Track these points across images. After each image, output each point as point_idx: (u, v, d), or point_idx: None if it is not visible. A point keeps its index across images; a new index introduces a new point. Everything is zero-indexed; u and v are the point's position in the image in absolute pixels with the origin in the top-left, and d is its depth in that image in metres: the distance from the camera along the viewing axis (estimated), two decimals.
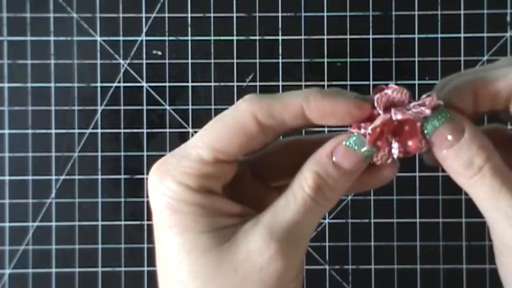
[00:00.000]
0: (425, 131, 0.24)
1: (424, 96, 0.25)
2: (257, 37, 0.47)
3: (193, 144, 0.24)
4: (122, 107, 0.47)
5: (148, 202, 0.25)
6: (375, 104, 0.24)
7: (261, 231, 0.23)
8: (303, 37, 0.47)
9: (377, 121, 0.24)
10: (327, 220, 0.47)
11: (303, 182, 0.24)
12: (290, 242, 0.23)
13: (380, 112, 0.24)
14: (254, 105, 0.23)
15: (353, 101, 0.24)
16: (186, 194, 0.23)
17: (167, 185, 0.23)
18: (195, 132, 0.47)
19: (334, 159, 0.24)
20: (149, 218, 0.47)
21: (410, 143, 0.25)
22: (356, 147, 0.24)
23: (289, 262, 0.23)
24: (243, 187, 0.27)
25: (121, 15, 0.47)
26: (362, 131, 0.24)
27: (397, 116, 0.24)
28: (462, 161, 0.24)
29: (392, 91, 0.25)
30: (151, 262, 0.47)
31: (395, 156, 0.25)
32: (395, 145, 0.25)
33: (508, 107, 0.25)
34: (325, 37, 0.47)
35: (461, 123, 0.24)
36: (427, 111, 0.24)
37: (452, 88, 0.25)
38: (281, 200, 0.24)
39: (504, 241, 0.24)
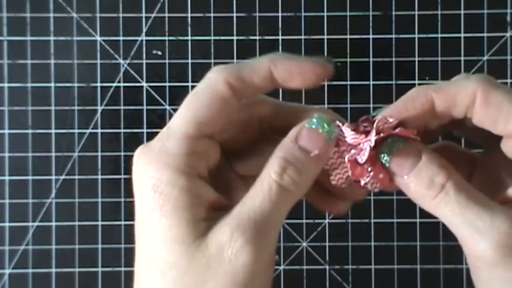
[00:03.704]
0: (383, 159, 0.25)
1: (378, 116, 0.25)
2: (257, 37, 0.47)
3: (176, 123, 0.24)
4: (122, 107, 0.47)
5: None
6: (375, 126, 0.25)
7: (230, 222, 0.23)
8: (303, 37, 0.47)
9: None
10: (327, 220, 0.46)
11: (270, 169, 0.24)
12: (259, 233, 0.23)
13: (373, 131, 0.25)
14: (225, 72, 0.25)
15: (317, 61, 0.25)
16: (173, 175, 0.23)
17: (155, 167, 0.24)
18: None
19: (299, 143, 0.24)
20: None
21: (381, 175, 0.25)
22: (319, 128, 0.25)
23: (258, 254, 0.23)
24: (223, 179, 0.27)
25: (121, 15, 0.47)
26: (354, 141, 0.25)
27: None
28: (424, 182, 0.24)
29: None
30: None
31: (368, 186, 0.25)
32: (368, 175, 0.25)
33: (465, 115, 0.25)
34: (325, 37, 0.47)
35: (417, 145, 0.25)
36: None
37: (409, 95, 0.25)
38: (251, 189, 0.24)
39: (478, 255, 0.23)
